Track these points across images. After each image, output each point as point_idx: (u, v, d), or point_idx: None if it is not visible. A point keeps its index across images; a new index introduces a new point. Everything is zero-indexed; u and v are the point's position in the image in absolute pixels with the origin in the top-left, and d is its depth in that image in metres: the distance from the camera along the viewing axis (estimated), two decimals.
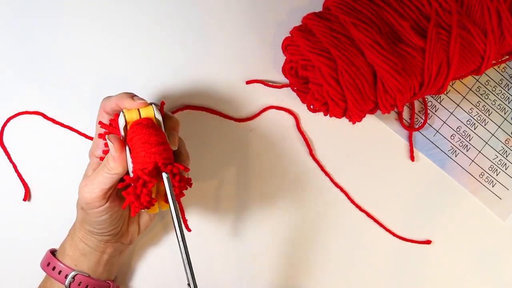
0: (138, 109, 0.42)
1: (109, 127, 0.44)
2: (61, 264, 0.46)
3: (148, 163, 0.40)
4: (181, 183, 0.42)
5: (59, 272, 0.46)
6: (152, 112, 0.42)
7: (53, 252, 0.48)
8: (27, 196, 0.53)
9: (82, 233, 0.46)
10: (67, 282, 0.45)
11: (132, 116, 0.42)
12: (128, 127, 0.42)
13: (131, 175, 0.42)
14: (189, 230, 0.43)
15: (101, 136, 0.44)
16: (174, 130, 0.44)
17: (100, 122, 0.44)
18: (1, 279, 0.52)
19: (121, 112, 0.42)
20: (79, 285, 0.46)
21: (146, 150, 0.40)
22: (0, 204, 0.53)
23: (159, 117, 0.43)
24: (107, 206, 0.43)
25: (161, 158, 0.40)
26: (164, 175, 0.40)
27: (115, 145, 0.41)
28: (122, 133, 0.42)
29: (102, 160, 0.45)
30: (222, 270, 0.55)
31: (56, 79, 0.54)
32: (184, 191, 0.44)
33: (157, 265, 0.54)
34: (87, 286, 0.46)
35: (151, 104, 0.43)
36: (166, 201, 0.43)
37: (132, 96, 0.43)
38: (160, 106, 0.45)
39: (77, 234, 0.46)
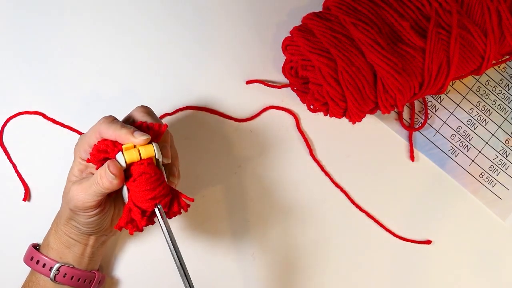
0: (138, 149, 0.41)
1: (105, 154, 0.42)
2: (44, 257, 0.46)
3: (149, 211, 0.42)
4: (178, 213, 0.44)
5: (43, 265, 0.46)
6: (152, 152, 0.41)
7: (35, 246, 0.48)
8: (27, 196, 0.53)
9: (68, 228, 0.46)
10: (51, 274, 0.45)
11: (132, 157, 0.41)
12: (127, 167, 0.41)
13: (126, 199, 0.43)
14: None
15: (89, 161, 0.43)
16: (166, 143, 0.44)
17: (95, 148, 0.42)
18: (1, 279, 0.52)
19: (120, 152, 0.41)
20: (64, 276, 0.46)
21: (150, 203, 0.41)
22: (0, 204, 0.53)
23: (159, 156, 0.41)
24: (98, 211, 0.44)
25: (162, 206, 0.42)
26: (156, 209, 0.41)
27: (117, 176, 0.41)
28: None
29: (89, 162, 0.44)
30: (222, 270, 0.55)
31: (56, 79, 0.54)
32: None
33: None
34: (72, 277, 0.46)
35: (151, 142, 0.41)
36: None
37: (133, 132, 0.41)
38: (161, 131, 0.43)
39: (61, 228, 0.46)
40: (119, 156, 0.41)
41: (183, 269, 0.41)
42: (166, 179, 0.43)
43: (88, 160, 0.43)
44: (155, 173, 0.41)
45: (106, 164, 0.41)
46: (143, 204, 0.41)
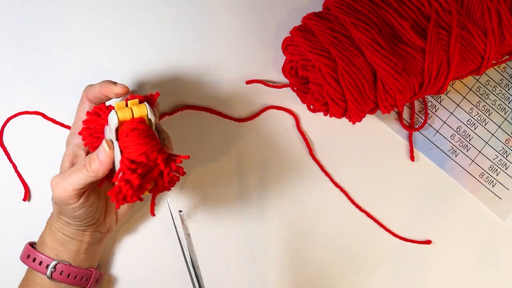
0: (131, 107, 0.41)
1: (96, 117, 0.42)
2: (41, 255, 0.46)
3: (142, 169, 0.40)
4: (174, 177, 0.42)
5: (40, 263, 0.46)
6: (145, 111, 0.41)
7: (32, 244, 0.48)
8: (27, 196, 0.53)
9: (59, 224, 0.46)
10: (48, 272, 0.45)
11: (125, 115, 0.41)
12: (120, 126, 0.41)
13: (118, 164, 0.41)
14: (153, 214, 0.44)
15: (80, 134, 0.43)
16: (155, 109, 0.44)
17: (87, 113, 0.43)
18: (1, 279, 0.52)
19: (113, 111, 0.41)
20: (61, 274, 0.46)
21: (144, 159, 0.40)
22: (0, 204, 0.53)
23: (151, 116, 0.42)
24: (81, 203, 0.43)
25: (160, 163, 0.40)
26: (179, 214, 0.41)
27: (109, 152, 0.41)
28: (114, 132, 0.41)
29: (78, 148, 0.44)
30: (222, 270, 0.55)
31: (56, 79, 0.54)
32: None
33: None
34: (69, 274, 0.46)
35: (144, 102, 0.42)
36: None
37: (114, 82, 0.43)
38: (154, 98, 0.44)
39: (54, 225, 0.46)
40: (112, 115, 0.41)
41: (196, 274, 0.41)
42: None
43: (81, 135, 0.43)
44: (148, 129, 0.41)
45: (97, 150, 0.41)
46: (137, 158, 0.39)
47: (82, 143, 0.45)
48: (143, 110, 0.41)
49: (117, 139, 0.41)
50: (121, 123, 0.41)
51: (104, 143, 0.41)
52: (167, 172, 0.41)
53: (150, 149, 0.40)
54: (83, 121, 0.43)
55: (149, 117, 0.42)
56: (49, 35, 0.54)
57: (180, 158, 0.41)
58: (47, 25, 0.54)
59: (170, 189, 0.43)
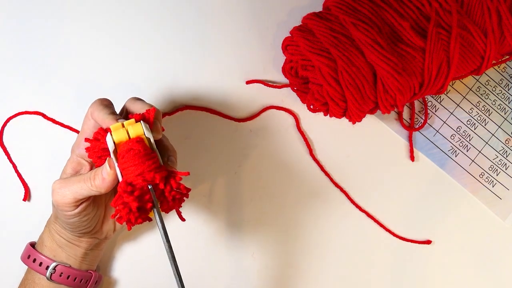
0: (127, 128, 0.40)
1: (96, 142, 0.42)
2: (41, 256, 0.46)
3: (140, 190, 0.39)
4: (177, 195, 0.41)
5: (40, 264, 0.46)
6: (141, 130, 0.41)
7: (32, 244, 0.48)
8: (27, 196, 0.53)
9: (57, 226, 0.46)
10: (48, 273, 0.45)
11: (121, 137, 0.40)
12: (117, 149, 0.40)
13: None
14: (183, 219, 0.43)
15: (90, 157, 0.43)
16: (156, 120, 0.43)
17: (86, 139, 0.43)
18: (1, 279, 0.52)
19: (108, 133, 0.40)
20: (60, 275, 0.45)
21: (140, 179, 0.39)
22: (0, 204, 0.53)
23: (149, 135, 0.41)
24: (76, 212, 0.43)
25: (157, 179, 0.40)
26: (149, 186, 0.39)
27: (111, 172, 0.40)
28: (113, 155, 0.41)
29: (82, 158, 0.44)
30: (222, 270, 0.55)
31: (56, 79, 0.54)
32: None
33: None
34: (68, 276, 0.46)
35: (139, 121, 0.41)
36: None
37: (117, 119, 0.41)
38: (150, 116, 0.42)
39: (52, 226, 0.46)
40: (108, 138, 0.40)
41: (171, 251, 0.40)
42: (161, 160, 0.41)
43: (89, 155, 0.43)
44: (144, 149, 0.40)
45: (103, 166, 0.41)
46: (134, 180, 0.39)
47: (87, 154, 0.44)
48: (138, 130, 0.40)
49: (117, 161, 0.41)
50: (118, 145, 0.41)
51: (106, 162, 0.41)
52: (168, 190, 0.40)
53: (146, 169, 0.39)
54: (85, 149, 0.43)
55: (146, 135, 0.41)
56: (49, 35, 0.54)
57: (179, 175, 0.41)
58: (47, 25, 0.54)
59: (180, 207, 0.42)
